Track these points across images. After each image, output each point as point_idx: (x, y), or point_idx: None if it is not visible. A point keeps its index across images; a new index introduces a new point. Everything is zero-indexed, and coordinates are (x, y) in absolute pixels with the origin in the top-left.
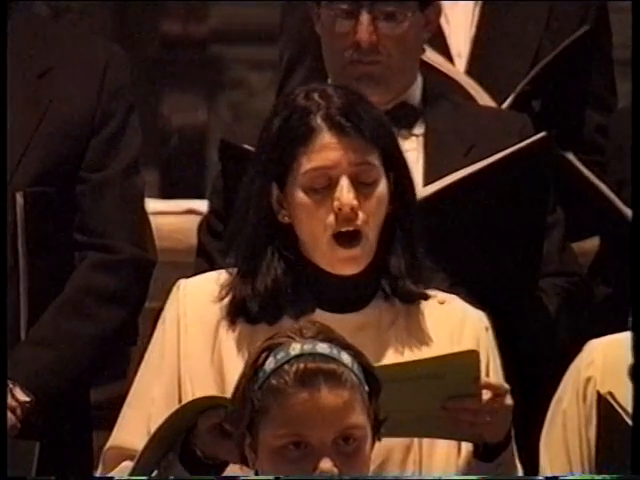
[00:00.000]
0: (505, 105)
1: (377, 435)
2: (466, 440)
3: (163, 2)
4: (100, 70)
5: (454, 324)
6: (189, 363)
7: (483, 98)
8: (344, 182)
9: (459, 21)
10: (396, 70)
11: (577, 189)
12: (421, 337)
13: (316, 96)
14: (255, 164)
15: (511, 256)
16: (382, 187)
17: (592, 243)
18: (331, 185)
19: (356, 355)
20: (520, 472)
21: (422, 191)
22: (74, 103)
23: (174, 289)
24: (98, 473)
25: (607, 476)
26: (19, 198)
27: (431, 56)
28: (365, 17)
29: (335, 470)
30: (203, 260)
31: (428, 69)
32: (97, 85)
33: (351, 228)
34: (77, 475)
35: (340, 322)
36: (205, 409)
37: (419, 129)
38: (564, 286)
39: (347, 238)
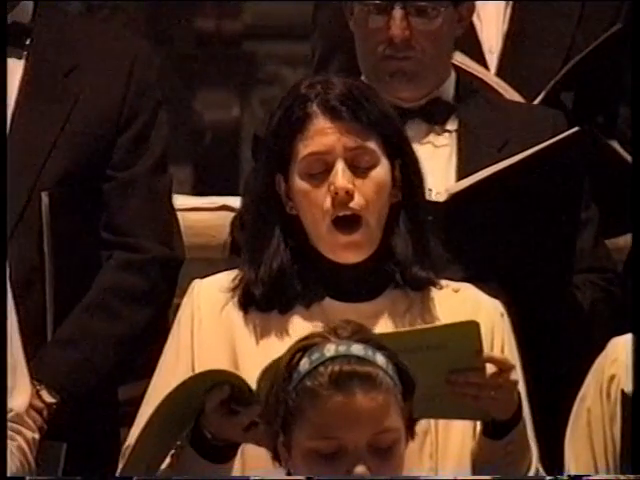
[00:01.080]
0: (537, 102)
1: (410, 434)
2: (473, 419)
3: None
4: (127, 67)
5: (468, 311)
6: (204, 356)
7: (514, 98)
8: (339, 166)
9: (491, 17)
10: (429, 66)
11: (616, 179)
12: None
13: (318, 85)
14: (259, 155)
15: (544, 252)
16: (380, 171)
17: (625, 239)
18: (328, 170)
19: (390, 356)
20: (535, 452)
21: (455, 186)
22: (101, 101)
23: (189, 288)
24: (119, 470)
25: (632, 476)
26: (44, 197)
27: (459, 58)
28: (398, 13)
29: (369, 474)
30: (237, 256)
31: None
32: (124, 82)
33: (348, 212)
34: (105, 474)
35: (353, 311)
36: (208, 389)
37: (452, 125)
38: (598, 282)
39: (346, 223)
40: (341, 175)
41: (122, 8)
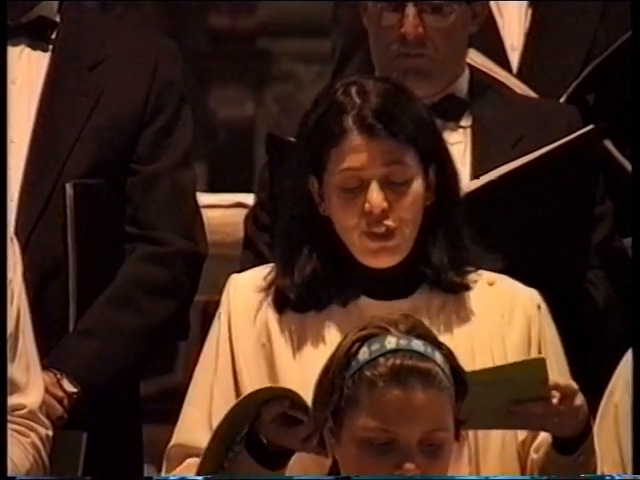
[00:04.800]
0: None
1: (456, 435)
2: (536, 431)
3: None
4: (152, 62)
5: (504, 305)
6: (243, 357)
7: None
8: (374, 185)
9: (513, 15)
10: (443, 63)
11: (614, 182)
12: (471, 321)
13: (353, 92)
14: (293, 156)
15: (558, 248)
16: (416, 186)
17: (627, 241)
18: (363, 186)
19: (447, 355)
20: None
21: (469, 184)
22: (125, 95)
23: (226, 285)
24: (163, 471)
25: None
26: (69, 189)
27: (477, 59)
28: (411, 10)
29: (418, 472)
30: (250, 252)
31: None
32: (148, 77)
33: (383, 229)
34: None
35: (388, 309)
36: (266, 400)
37: (466, 121)
38: (610, 278)
39: (379, 235)
40: (376, 194)
41: (137, 5)
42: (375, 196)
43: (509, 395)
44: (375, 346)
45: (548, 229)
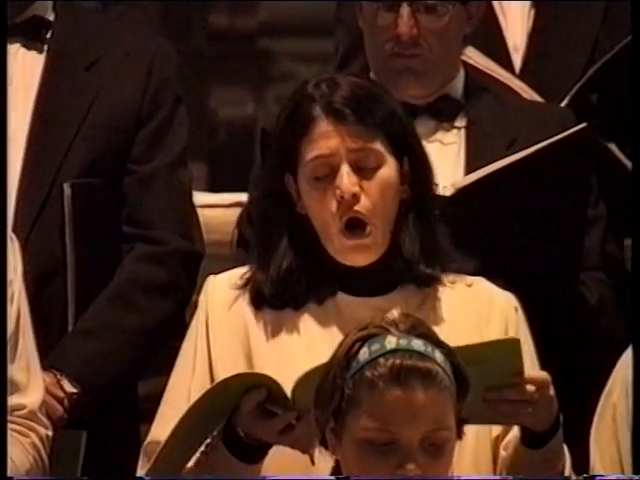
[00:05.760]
0: (563, 104)
1: (459, 433)
2: (510, 424)
3: None
4: (147, 62)
5: (482, 306)
6: (220, 354)
7: (533, 98)
8: (344, 169)
9: (516, 15)
10: (437, 63)
11: (615, 183)
12: (449, 320)
13: (324, 85)
14: (268, 155)
15: (551, 248)
16: (386, 171)
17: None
18: (333, 173)
19: (448, 353)
20: (567, 457)
21: (461, 180)
22: (121, 95)
23: (204, 285)
24: (139, 467)
25: None
26: (67, 189)
27: (479, 59)
28: (406, 10)
29: (419, 472)
30: (243, 251)
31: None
32: (144, 77)
33: (355, 215)
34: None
35: (366, 305)
36: (245, 389)
37: (461, 122)
38: (605, 280)
39: (354, 227)
40: (346, 178)
41: (136, 5)
42: (345, 180)
43: (484, 377)
44: (375, 346)
45: (540, 228)
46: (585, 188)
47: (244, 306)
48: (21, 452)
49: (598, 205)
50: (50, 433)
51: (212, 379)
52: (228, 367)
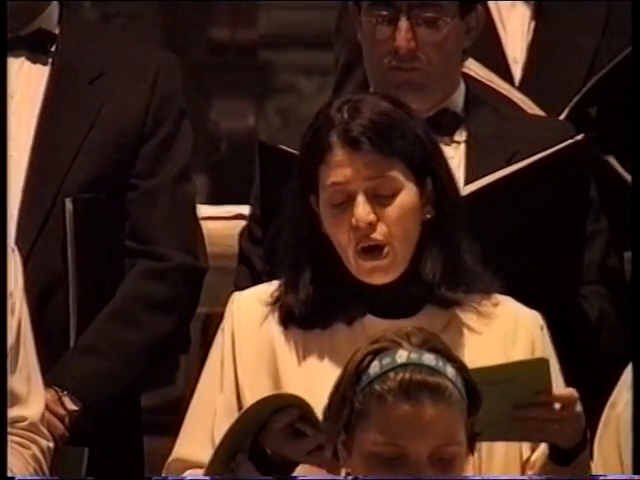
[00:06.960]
0: (562, 117)
1: (471, 449)
2: (537, 442)
3: (212, 8)
4: (151, 76)
5: (508, 325)
6: (246, 372)
7: (533, 111)
8: (360, 198)
9: (515, 27)
10: (436, 77)
11: (614, 196)
12: (474, 341)
13: (345, 108)
14: (294, 175)
15: (550, 261)
16: (404, 197)
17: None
18: (350, 200)
19: (460, 368)
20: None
21: None
22: (125, 109)
23: (229, 302)
24: None
25: None
26: (68, 204)
27: (479, 71)
28: (404, 23)
29: None
30: (244, 266)
31: (478, 85)
32: (148, 91)
33: (372, 243)
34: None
35: (393, 327)
36: (276, 409)
37: (461, 136)
38: (605, 293)
39: (371, 251)
40: (361, 208)
41: (138, 17)
42: (361, 209)
43: (513, 396)
44: (386, 360)
45: (539, 241)
46: (584, 202)
47: (272, 324)
48: (22, 464)
49: (599, 219)
50: (52, 445)
51: (238, 397)
52: (254, 385)
